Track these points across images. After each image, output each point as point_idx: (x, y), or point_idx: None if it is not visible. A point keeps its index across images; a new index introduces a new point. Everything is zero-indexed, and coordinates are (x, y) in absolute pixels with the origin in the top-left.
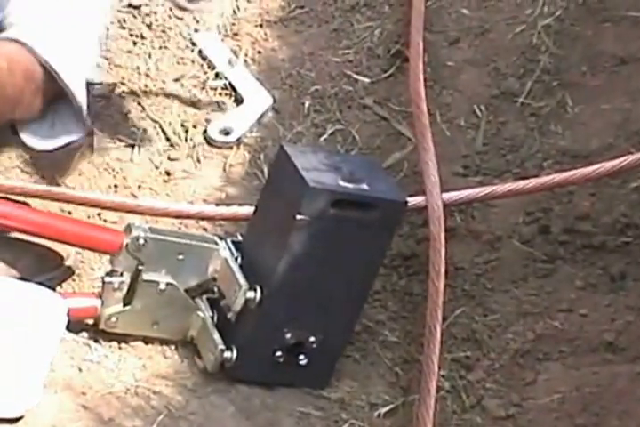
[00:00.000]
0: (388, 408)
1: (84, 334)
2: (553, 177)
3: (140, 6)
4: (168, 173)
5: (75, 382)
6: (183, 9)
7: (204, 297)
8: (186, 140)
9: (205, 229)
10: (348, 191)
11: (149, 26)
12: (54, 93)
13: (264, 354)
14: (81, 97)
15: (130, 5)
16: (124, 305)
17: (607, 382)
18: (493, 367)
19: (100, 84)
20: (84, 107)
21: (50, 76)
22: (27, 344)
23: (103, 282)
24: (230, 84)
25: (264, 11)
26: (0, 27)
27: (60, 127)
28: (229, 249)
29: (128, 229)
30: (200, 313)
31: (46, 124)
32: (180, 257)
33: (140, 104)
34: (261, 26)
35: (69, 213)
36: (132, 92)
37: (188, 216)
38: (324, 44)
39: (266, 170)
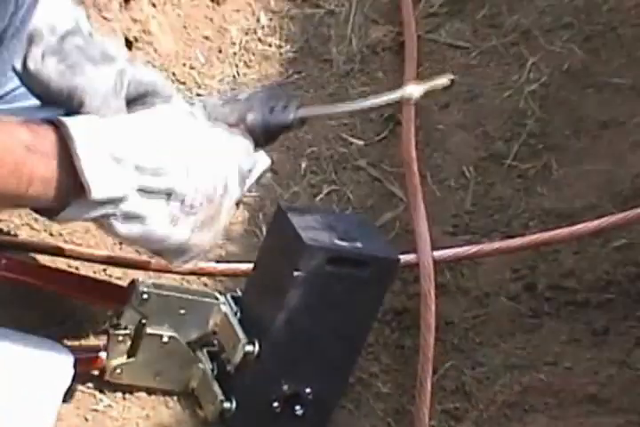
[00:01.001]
0: None
1: (90, 384)
2: (538, 236)
3: None
4: None
5: None
6: None
7: (205, 350)
8: None
9: (206, 285)
10: (343, 249)
11: None
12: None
13: (262, 405)
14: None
15: None
16: (129, 357)
17: None
18: (482, 418)
19: None
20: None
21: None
22: (35, 395)
23: (108, 335)
24: None
25: (263, 76)
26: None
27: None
28: (229, 304)
29: (132, 284)
30: (201, 365)
31: None
32: (182, 311)
33: None
34: None
35: (77, 268)
36: None
37: (190, 272)
38: None
39: (264, 228)
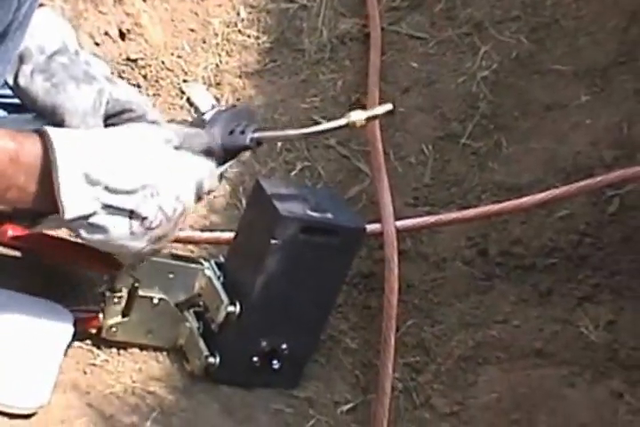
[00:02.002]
0: (349, 406)
1: (88, 341)
2: (490, 207)
3: (136, 60)
4: None
5: (80, 383)
6: None
7: (191, 310)
8: None
9: (192, 252)
10: (315, 219)
11: (145, 76)
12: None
13: (243, 359)
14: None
15: (128, 59)
16: (123, 317)
17: (537, 383)
18: (440, 371)
19: None
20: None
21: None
22: (38, 351)
23: (104, 297)
24: None
25: (243, 64)
26: None
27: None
28: (213, 269)
29: None
30: (188, 324)
31: None
32: (171, 276)
33: None
34: (240, 77)
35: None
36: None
37: (178, 241)
38: (294, 92)
39: (244, 201)
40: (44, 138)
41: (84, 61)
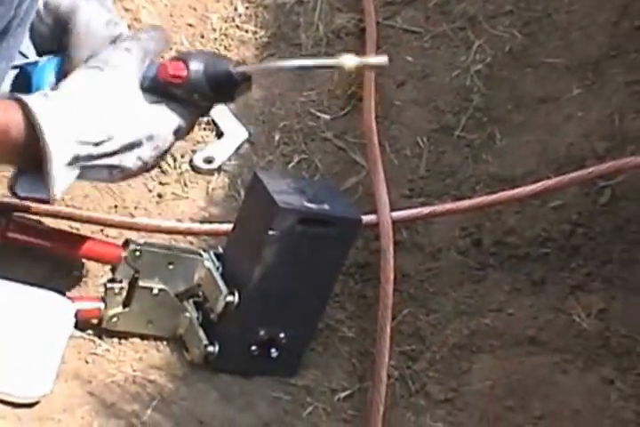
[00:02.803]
0: (346, 393)
1: (90, 331)
2: (484, 198)
3: None
4: (160, 196)
5: (82, 372)
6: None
7: (191, 300)
8: (175, 167)
9: (192, 243)
10: (312, 211)
11: None
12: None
13: (241, 348)
14: (57, 171)
15: None
16: (123, 307)
17: (530, 370)
18: (435, 359)
19: None
20: (54, 182)
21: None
22: (41, 341)
23: (105, 288)
24: (212, 120)
25: (241, 58)
26: None
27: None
28: (212, 260)
29: (126, 243)
30: (187, 314)
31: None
32: (171, 267)
33: None
34: None
35: (77, 229)
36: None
37: (177, 232)
38: (291, 86)
39: (242, 193)
40: (23, 106)
41: None
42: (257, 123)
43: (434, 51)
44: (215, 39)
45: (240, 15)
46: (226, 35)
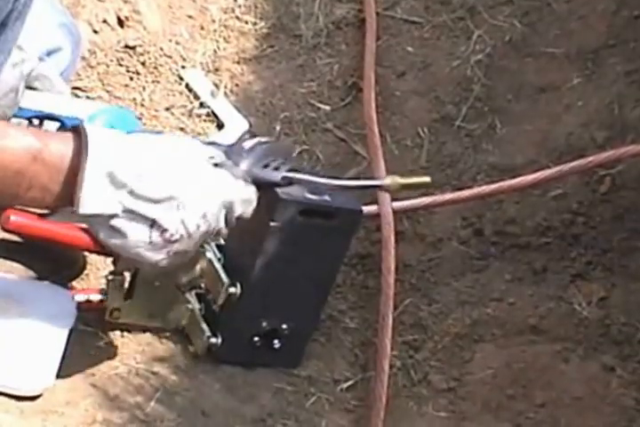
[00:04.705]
0: (349, 384)
1: (92, 324)
2: (485, 188)
3: (135, 47)
4: None
5: (85, 365)
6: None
7: (193, 292)
8: None
9: None
10: (313, 202)
11: (143, 63)
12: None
13: (244, 339)
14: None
15: (126, 46)
16: (125, 300)
17: (532, 359)
18: (437, 348)
19: None
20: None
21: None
22: (43, 334)
23: (107, 280)
24: (213, 112)
25: (240, 50)
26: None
27: None
28: (213, 251)
29: None
30: (190, 306)
31: None
32: None
33: None
34: (238, 62)
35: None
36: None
37: None
38: (292, 77)
39: None
40: (79, 134)
41: None
42: (257, 114)
43: (434, 41)
44: (215, 30)
45: (240, 6)
46: (225, 26)
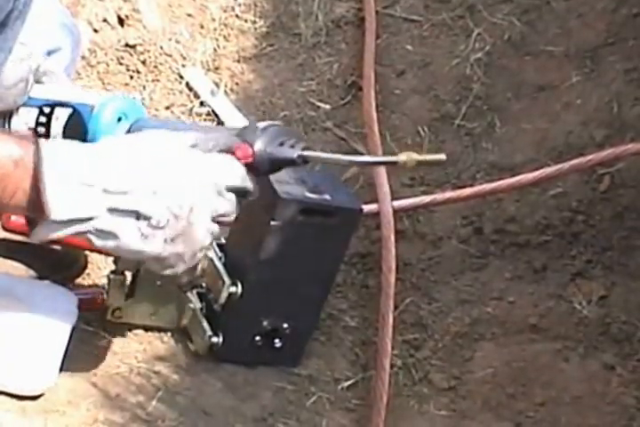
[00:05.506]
0: (349, 383)
1: (93, 323)
2: (484, 186)
3: (135, 46)
4: None
5: (86, 364)
6: None
7: (194, 291)
8: None
9: None
10: (314, 201)
11: (143, 62)
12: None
13: (245, 339)
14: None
15: (127, 45)
16: (127, 299)
17: (532, 358)
18: (437, 347)
19: None
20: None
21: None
22: (44, 334)
23: (109, 279)
24: (213, 111)
25: (240, 49)
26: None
27: None
28: (214, 250)
29: None
30: (191, 305)
31: None
32: None
33: None
34: (238, 61)
35: None
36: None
37: None
38: (291, 76)
39: None
40: (37, 144)
41: None
42: (257, 113)
43: (433, 39)
44: (215, 29)
45: (239, 5)
46: (225, 24)
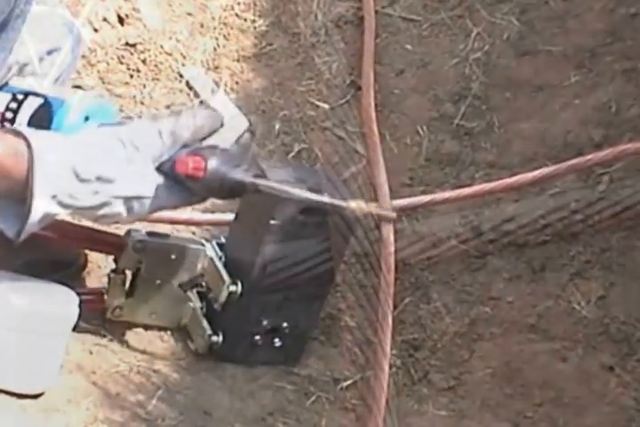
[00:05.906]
0: (348, 383)
1: (94, 322)
2: (483, 186)
3: (135, 44)
4: None
5: (86, 363)
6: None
7: (194, 290)
8: None
9: (194, 233)
10: (314, 201)
11: (144, 61)
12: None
13: (245, 338)
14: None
15: (127, 44)
16: (127, 298)
17: (530, 358)
18: (436, 347)
19: None
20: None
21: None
22: (45, 333)
23: (109, 278)
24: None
25: (240, 48)
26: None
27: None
28: (214, 250)
29: (129, 233)
30: (191, 304)
31: None
32: (173, 257)
33: None
34: (238, 60)
35: (80, 220)
36: (130, 118)
37: (180, 222)
38: (291, 75)
39: None
40: (24, 138)
41: None
42: (257, 112)
43: (432, 39)
44: (214, 28)
45: (239, 4)
46: (225, 23)
